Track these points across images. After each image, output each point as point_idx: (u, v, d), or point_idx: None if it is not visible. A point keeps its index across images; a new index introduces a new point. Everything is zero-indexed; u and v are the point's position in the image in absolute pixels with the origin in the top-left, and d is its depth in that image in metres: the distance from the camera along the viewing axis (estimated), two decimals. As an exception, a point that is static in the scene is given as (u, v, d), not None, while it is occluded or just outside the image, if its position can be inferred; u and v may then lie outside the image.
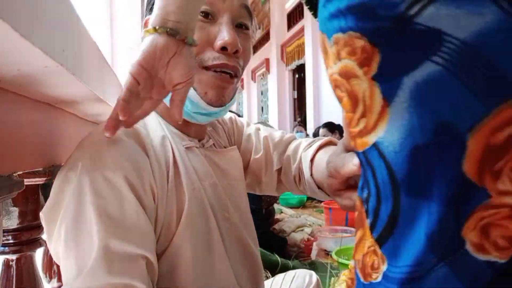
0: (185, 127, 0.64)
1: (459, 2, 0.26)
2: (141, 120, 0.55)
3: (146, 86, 0.49)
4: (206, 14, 0.58)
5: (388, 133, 0.29)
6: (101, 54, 0.68)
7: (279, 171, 0.76)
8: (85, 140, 0.53)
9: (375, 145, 0.30)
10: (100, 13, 2.48)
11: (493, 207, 0.26)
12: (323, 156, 0.66)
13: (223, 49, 0.58)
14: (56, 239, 0.48)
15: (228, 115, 0.80)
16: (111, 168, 0.49)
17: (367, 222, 0.33)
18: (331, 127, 3.61)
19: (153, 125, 0.60)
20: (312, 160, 0.69)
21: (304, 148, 0.74)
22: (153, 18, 0.49)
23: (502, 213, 0.26)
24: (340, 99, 0.33)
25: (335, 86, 0.33)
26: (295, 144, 0.77)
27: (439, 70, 0.26)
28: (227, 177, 0.67)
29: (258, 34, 6.02)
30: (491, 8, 0.25)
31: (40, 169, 0.61)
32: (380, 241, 0.31)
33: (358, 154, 0.33)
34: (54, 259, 0.51)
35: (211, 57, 0.58)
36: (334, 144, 0.71)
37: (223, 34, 0.57)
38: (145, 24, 0.63)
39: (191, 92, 0.58)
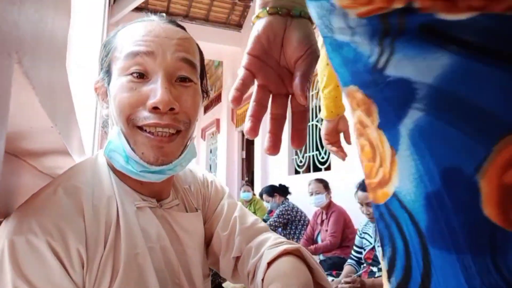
0: (139, 186, 0.61)
1: (415, 51, 0.27)
2: (92, 178, 0.57)
3: (266, 76, 0.45)
4: (138, 75, 0.56)
5: (402, 182, 0.29)
6: (73, 105, 0.69)
7: (237, 259, 0.68)
8: (25, 201, 0.53)
9: (395, 195, 0.29)
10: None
11: None
12: (281, 266, 0.60)
13: (155, 108, 0.55)
14: None
15: (210, 178, 0.76)
16: (36, 231, 0.48)
17: (393, 281, 0.30)
18: (270, 192, 3.85)
19: (103, 184, 0.59)
20: (270, 263, 0.61)
21: (269, 246, 0.65)
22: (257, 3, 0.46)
23: None
24: (362, 148, 0.33)
25: (359, 134, 0.33)
26: (263, 238, 0.68)
27: (423, 116, 0.27)
28: (182, 243, 0.63)
29: (211, 95, 6.22)
30: (442, 52, 0.26)
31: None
32: None
33: (379, 207, 0.31)
34: None
35: (141, 117, 0.55)
36: (300, 254, 0.63)
37: (154, 94, 0.55)
38: (96, 89, 0.62)
39: (131, 152, 0.56)
